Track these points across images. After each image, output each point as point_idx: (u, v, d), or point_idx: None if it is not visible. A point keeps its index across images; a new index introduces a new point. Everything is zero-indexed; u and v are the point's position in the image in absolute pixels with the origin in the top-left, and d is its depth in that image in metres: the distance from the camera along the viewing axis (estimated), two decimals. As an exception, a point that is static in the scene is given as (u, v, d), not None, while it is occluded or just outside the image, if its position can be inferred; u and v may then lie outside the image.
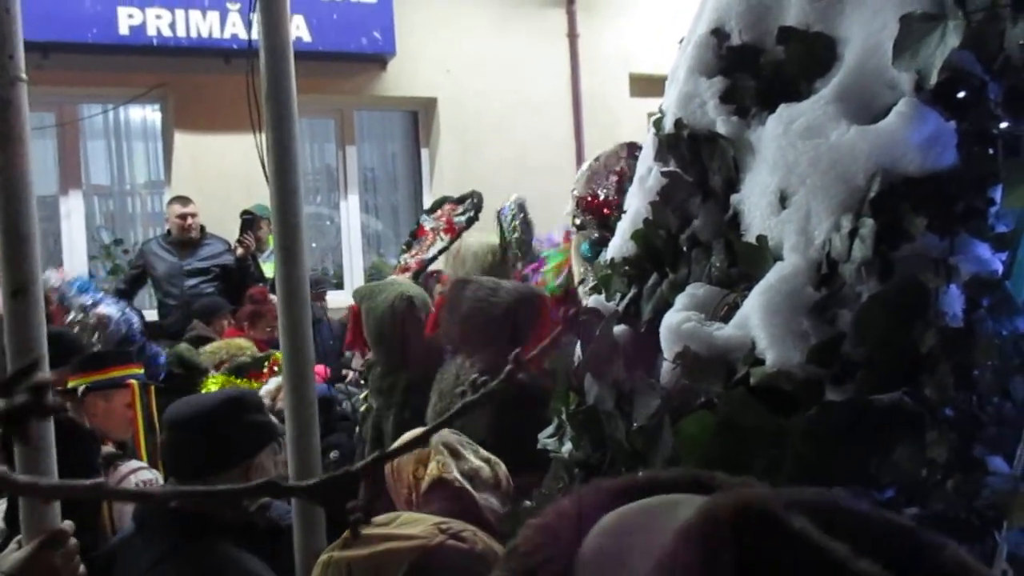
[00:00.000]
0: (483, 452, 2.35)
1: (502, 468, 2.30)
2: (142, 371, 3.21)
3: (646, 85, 7.48)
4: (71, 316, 3.81)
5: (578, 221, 3.04)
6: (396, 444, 0.68)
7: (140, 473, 2.79)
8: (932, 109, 1.46)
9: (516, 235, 4.03)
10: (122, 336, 3.77)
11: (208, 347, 4.27)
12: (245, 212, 5.78)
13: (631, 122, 7.02)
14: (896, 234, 1.40)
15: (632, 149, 2.82)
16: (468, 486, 2.17)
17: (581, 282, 3.00)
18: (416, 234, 4.50)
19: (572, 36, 7.82)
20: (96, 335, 3.72)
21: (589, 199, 2.65)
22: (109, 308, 3.88)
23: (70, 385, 3.02)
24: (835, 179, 1.48)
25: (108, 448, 2.80)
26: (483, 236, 4.27)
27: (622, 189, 2.56)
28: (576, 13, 7.82)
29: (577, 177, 3.00)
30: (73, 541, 1.65)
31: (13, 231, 1.80)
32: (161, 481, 2.85)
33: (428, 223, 4.59)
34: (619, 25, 7.88)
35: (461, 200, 4.44)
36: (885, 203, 1.41)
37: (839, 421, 1.32)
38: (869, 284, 1.36)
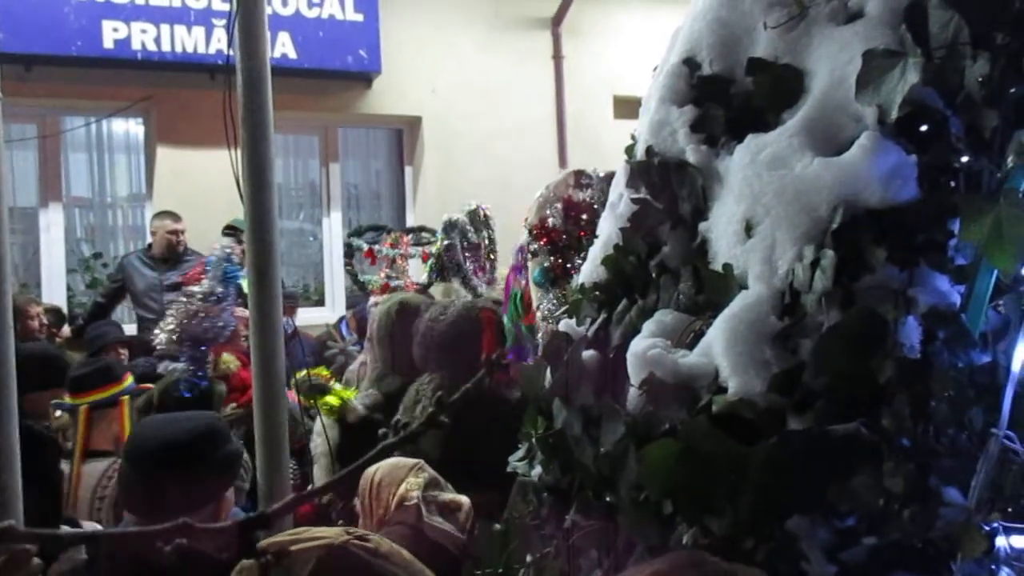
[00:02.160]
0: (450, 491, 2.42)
1: (467, 504, 2.36)
2: (132, 381, 3.21)
3: (630, 107, 7.51)
4: (197, 288, 3.77)
5: (532, 248, 3.11)
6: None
7: None
8: (894, 143, 1.49)
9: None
10: (207, 338, 3.73)
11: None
12: (228, 226, 5.76)
13: (614, 144, 7.04)
14: (857, 265, 1.42)
15: (579, 177, 2.90)
16: (424, 510, 2.20)
17: (537, 307, 3.05)
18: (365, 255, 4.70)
19: (557, 58, 7.89)
20: (194, 320, 3.68)
21: (540, 227, 2.71)
22: (223, 311, 3.83)
23: (69, 403, 3.01)
24: (799, 210, 1.50)
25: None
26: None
27: (570, 216, 2.62)
28: (561, 35, 7.89)
29: (530, 206, 3.07)
30: (37, 562, 1.63)
31: (-17, 247, 1.80)
32: None
33: (382, 250, 4.79)
34: (603, 48, 7.95)
35: (410, 231, 4.68)
36: (847, 234, 1.44)
37: (799, 450, 1.33)
38: (830, 315, 1.38)
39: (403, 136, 7.62)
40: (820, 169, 1.51)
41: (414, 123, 7.46)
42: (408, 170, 7.62)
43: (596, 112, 7.93)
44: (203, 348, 3.64)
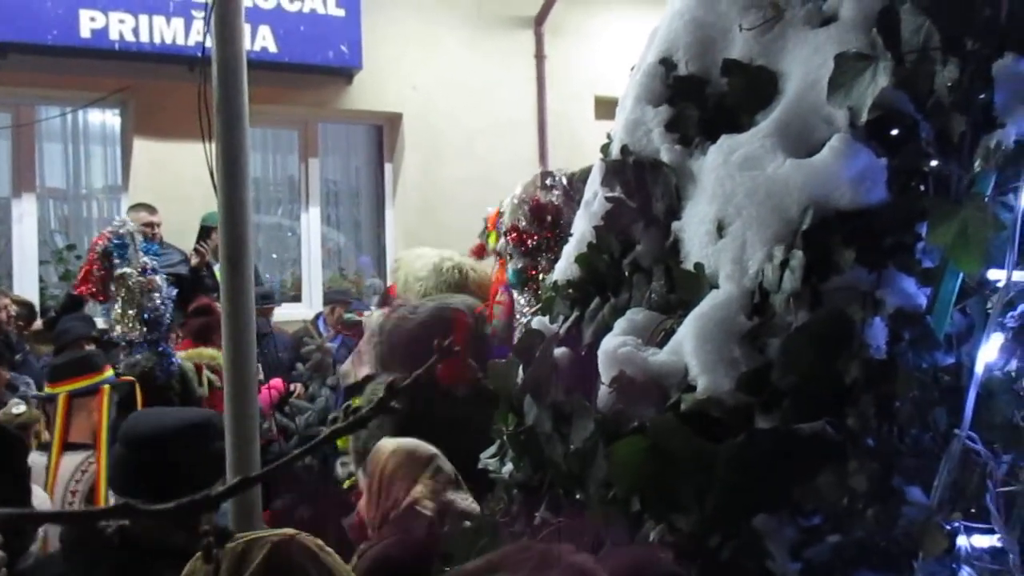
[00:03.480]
0: (464, 490, 2.36)
1: (476, 507, 2.31)
2: (112, 373, 3.17)
3: (611, 108, 7.49)
4: (123, 269, 3.76)
5: (509, 250, 3.10)
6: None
7: None
8: (865, 145, 1.50)
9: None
10: (159, 314, 3.76)
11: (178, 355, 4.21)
12: (204, 224, 5.71)
13: (595, 143, 7.07)
14: (826, 266, 1.44)
15: (544, 178, 2.90)
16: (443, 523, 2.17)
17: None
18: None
19: (539, 57, 7.89)
20: (139, 297, 3.70)
21: (512, 229, 2.72)
22: (162, 283, 3.88)
23: (48, 392, 2.98)
24: (770, 211, 1.51)
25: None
26: (424, 255, 4.29)
27: (535, 217, 2.63)
28: (544, 35, 7.89)
29: (505, 208, 3.07)
30: (0, 554, 1.61)
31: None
32: None
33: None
34: (586, 48, 7.96)
35: None
36: (816, 236, 1.45)
37: (765, 448, 1.34)
38: (798, 315, 1.39)
39: (383, 133, 7.58)
40: (791, 170, 1.52)
41: (395, 120, 7.43)
42: (388, 167, 7.58)
43: (577, 112, 7.94)
44: (161, 329, 3.64)
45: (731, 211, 1.57)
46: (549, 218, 2.58)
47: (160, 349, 3.62)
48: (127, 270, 3.78)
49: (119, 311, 3.69)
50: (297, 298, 7.14)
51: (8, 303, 5.15)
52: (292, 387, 5.25)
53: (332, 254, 7.57)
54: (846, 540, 1.31)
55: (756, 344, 1.44)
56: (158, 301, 3.69)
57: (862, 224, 1.46)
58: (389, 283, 5.28)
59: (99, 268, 3.85)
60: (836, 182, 1.46)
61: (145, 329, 3.60)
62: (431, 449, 2.35)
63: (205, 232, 5.64)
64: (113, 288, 3.79)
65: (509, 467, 2.01)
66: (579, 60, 7.97)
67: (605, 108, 7.94)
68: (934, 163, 1.52)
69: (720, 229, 1.58)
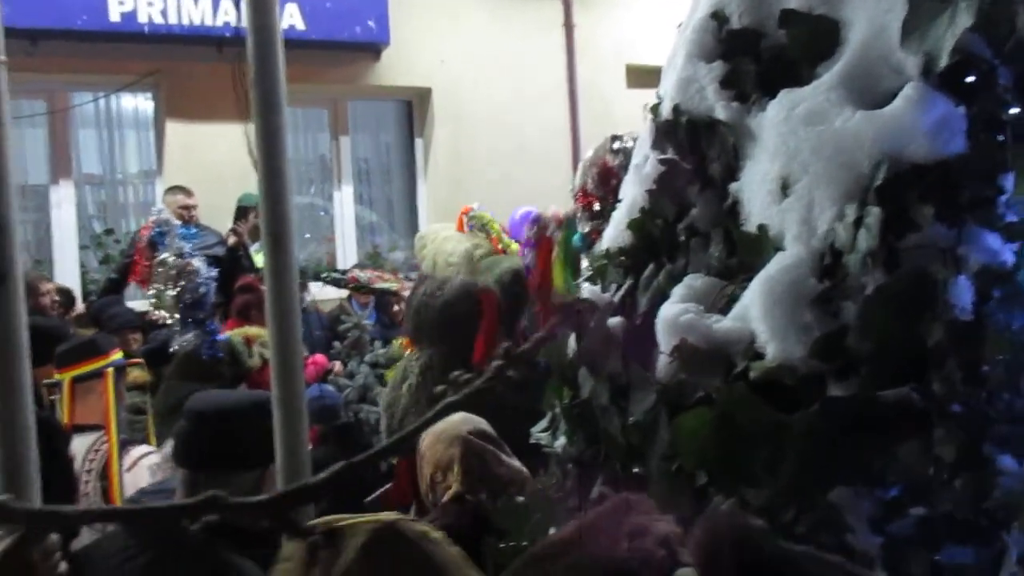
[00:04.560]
0: (515, 464, 2.29)
1: (531, 483, 2.25)
2: (121, 355, 3.19)
3: (642, 76, 7.42)
4: (162, 255, 3.84)
5: (577, 213, 3.02)
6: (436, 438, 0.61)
7: (150, 456, 2.86)
8: (940, 94, 1.41)
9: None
10: (199, 296, 3.82)
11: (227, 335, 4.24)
12: (240, 204, 5.72)
13: (627, 113, 6.95)
14: (902, 223, 1.35)
15: (613, 140, 2.81)
16: (488, 504, 2.12)
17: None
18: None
19: (568, 27, 7.76)
20: (179, 282, 3.77)
21: (580, 192, 2.64)
22: (200, 265, 3.95)
23: (56, 379, 3.01)
24: (839, 166, 1.43)
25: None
26: (451, 235, 4.25)
27: (603, 181, 2.54)
28: (572, 4, 7.76)
29: (578, 171, 2.99)
30: (53, 538, 1.60)
31: (-9, 216, 1.76)
32: (158, 462, 2.85)
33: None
34: (616, 16, 7.81)
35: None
36: (891, 191, 1.36)
37: (842, 417, 1.27)
38: (874, 275, 1.31)
39: (413, 108, 7.52)
40: (861, 123, 1.43)
41: (424, 95, 7.36)
42: (418, 142, 7.53)
43: (608, 81, 7.81)
44: (205, 309, 3.69)
45: (796, 169, 1.49)
46: (614, 182, 2.50)
47: (207, 328, 3.68)
48: (165, 255, 3.84)
49: (157, 294, 3.74)
50: (333, 277, 7.12)
51: (51, 288, 5.20)
52: (330, 364, 5.26)
53: (365, 231, 7.56)
54: (931, 513, 1.24)
55: (829, 308, 1.36)
56: (198, 282, 3.73)
57: (940, 177, 1.37)
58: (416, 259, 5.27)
59: (145, 258, 3.92)
60: (912, 134, 1.37)
61: (186, 310, 3.64)
62: (454, 432, 2.27)
63: (241, 213, 5.64)
64: (152, 273, 3.85)
65: (562, 441, 1.96)
66: (609, 28, 7.83)
67: (637, 76, 7.80)
68: (1014, 111, 1.43)
69: (784, 188, 1.50)
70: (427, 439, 2.30)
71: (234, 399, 2.03)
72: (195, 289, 3.76)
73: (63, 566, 1.60)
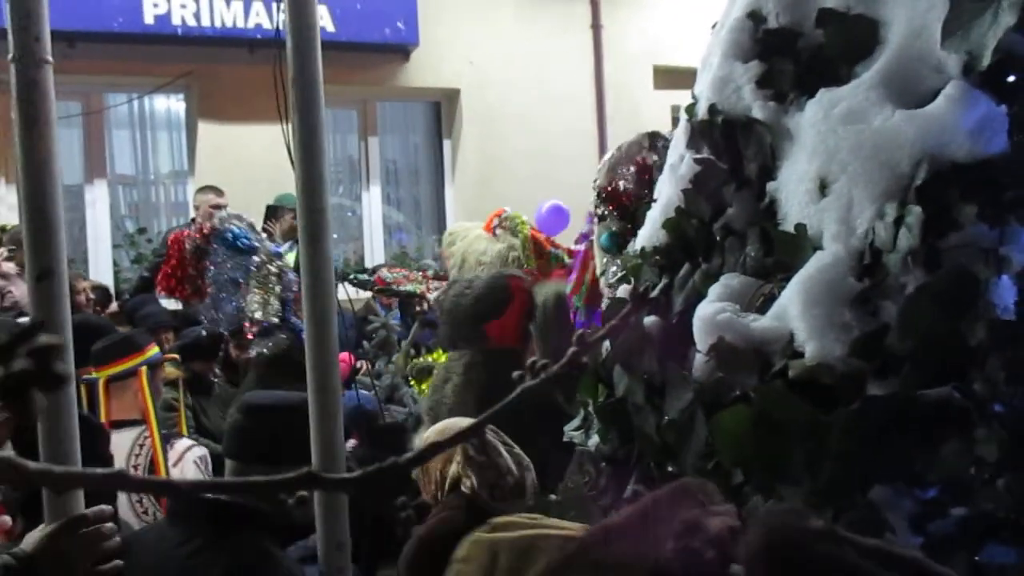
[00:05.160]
0: (516, 453, 2.30)
1: (531, 474, 2.25)
2: (157, 351, 3.23)
3: (670, 77, 7.40)
4: (257, 258, 3.99)
5: (600, 212, 2.99)
6: (439, 437, 0.63)
7: (194, 450, 2.89)
8: (982, 93, 1.40)
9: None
10: (290, 298, 3.99)
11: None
12: (269, 206, 5.75)
13: (654, 114, 6.95)
14: (943, 223, 1.35)
15: (654, 139, 2.77)
16: (484, 496, 2.13)
17: (602, 273, 2.95)
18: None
19: (596, 27, 7.74)
20: (279, 285, 3.96)
21: (610, 189, 2.60)
22: (288, 268, 4.14)
23: (94, 376, 3.05)
24: (879, 166, 1.43)
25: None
26: (481, 234, 4.26)
27: (642, 180, 2.51)
28: (600, 4, 7.74)
29: (599, 167, 2.93)
30: (109, 525, 1.62)
31: (39, 215, 1.78)
32: (207, 457, 2.90)
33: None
34: (644, 17, 7.79)
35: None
36: (932, 191, 1.36)
37: (882, 416, 1.27)
38: (915, 274, 1.31)
39: (441, 109, 7.55)
40: (902, 122, 1.43)
41: (452, 95, 7.38)
42: (446, 143, 7.56)
43: (636, 82, 7.78)
44: (289, 311, 3.80)
45: (835, 168, 1.49)
46: (647, 178, 2.48)
47: (296, 328, 3.76)
48: (262, 258, 3.94)
49: (260, 299, 3.81)
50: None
51: (86, 287, 5.28)
52: (358, 364, 5.29)
53: (393, 232, 7.60)
54: (973, 513, 1.24)
55: (868, 307, 1.36)
56: (291, 280, 3.87)
57: (982, 177, 1.36)
58: (444, 257, 5.30)
59: (190, 265, 3.98)
60: (953, 133, 1.37)
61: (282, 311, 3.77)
62: (463, 424, 2.29)
63: (270, 213, 5.68)
64: (246, 279, 3.92)
65: (595, 439, 1.97)
66: (637, 29, 7.81)
67: (664, 77, 7.77)
68: (1056, 110, 1.42)
69: (823, 187, 1.50)
70: (432, 437, 2.31)
71: (287, 397, 2.05)
72: (288, 289, 3.87)
73: (117, 563, 1.63)
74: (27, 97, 1.83)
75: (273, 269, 3.86)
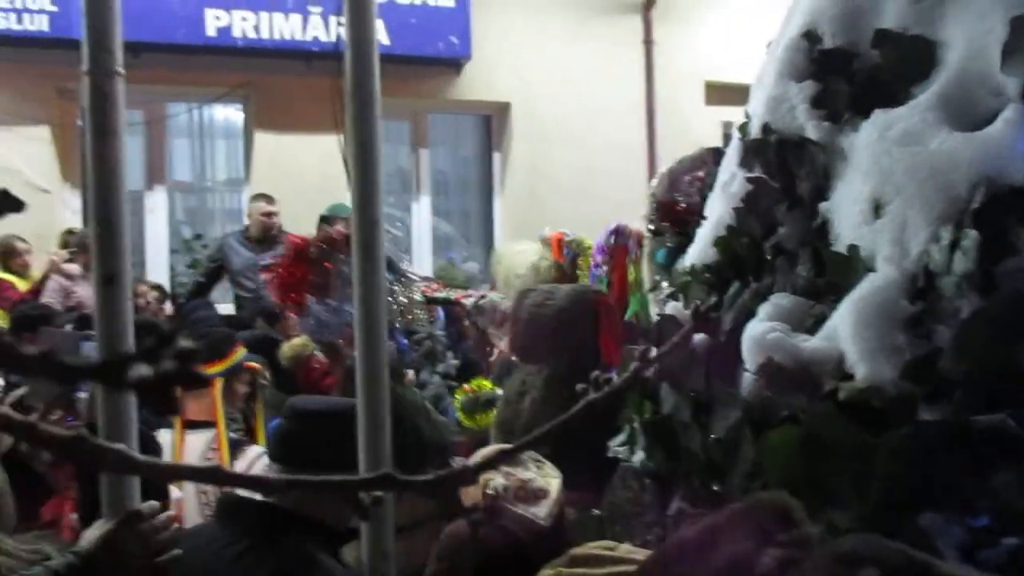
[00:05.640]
0: (545, 466, 2.32)
1: (556, 482, 2.26)
2: (241, 355, 3.30)
3: (721, 93, 7.36)
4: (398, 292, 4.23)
5: (652, 227, 2.97)
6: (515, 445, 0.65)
7: (265, 457, 2.97)
8: (1042, 117, 1.38)
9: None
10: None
11: (297, 340, 4.34)
12: (323, 216, 5.83)
13: (705, 130, 6.92)
14: (1000, 247, 1.33)
15: (717, 156, 2.73)
16: (509, 497, 2.15)
17: (653, 289, 2.93)
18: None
19: (648, 43, 7.75)
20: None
21: (669, 204, 2.57)
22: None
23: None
24: (934, 188, 1.41)
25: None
26: (524, 251, 4.29)
27: (704, 196, 2.47)
28: (652, 20, 7.75)
29: (657, 181, 2.90)
30: (165, 515, 1.67)
31: (106, 221, 1.85)
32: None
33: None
34: (695, 32, 7.77)
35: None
36: (988, 214, 1.35)
37: (933, 441, 1.25)
38: (970, 299, 1.29)
39: (491, 122, 7.62)
40: (959, 145, 1.42)
41: (503, 109, 7.45)
42: (496, 156, 7.62)
43: (687, 98, 7.76)
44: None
45: (889, 189, 1.48)
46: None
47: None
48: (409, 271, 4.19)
49: (411, 313, 4.00)
50: (408, 287, 7.24)
51: (145, 290, 5.43)
52: (404, 372, 5.35)
53: (441, 243, 7.67)
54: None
55: (920, 330, 1.35)
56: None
57: (1040, 202, 1.34)
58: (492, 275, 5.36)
59: (311, 272, 4.13)
60: (1010, 156, 1.35)
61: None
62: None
63: (325, 221, 5.77)
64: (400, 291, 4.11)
65: (640, 455, 1.97)
66: (689, 45, 7.79)
67: (715, 94, 7.74)
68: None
69: (877, 209, 1.49)
70: (483, 453, 2.33)
71: (335, 403, 2.08)
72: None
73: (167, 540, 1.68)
74: (99, 108, 1.90)
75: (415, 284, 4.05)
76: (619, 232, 3.39)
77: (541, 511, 2.26)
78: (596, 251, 3.72)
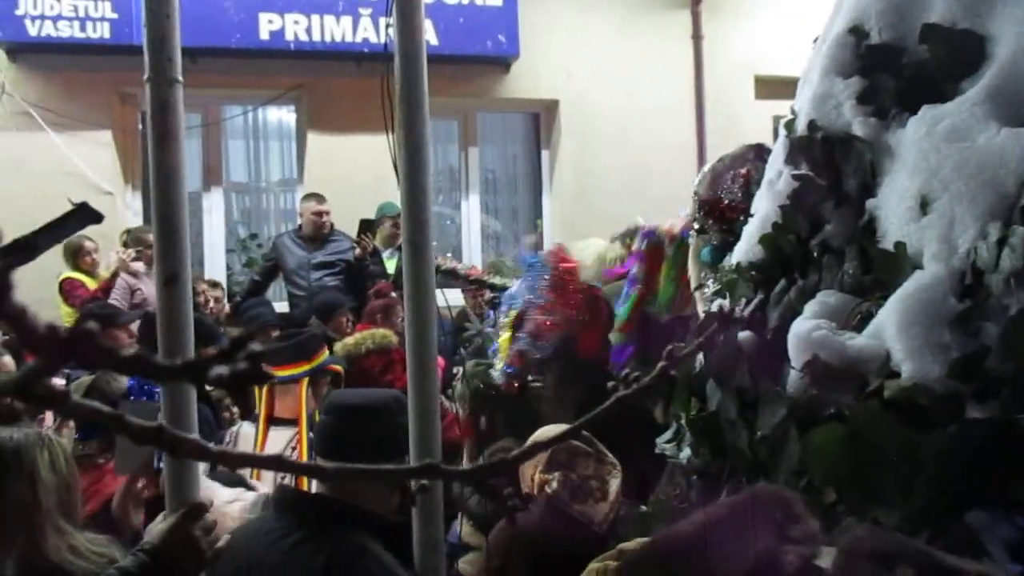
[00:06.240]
0: (609, 460, 2.33)
1: (616, 481, 2.27)
2: (325, 357, 3.38)
3: (772, 87, 7.28)
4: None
5: (697, 225, 2.96)
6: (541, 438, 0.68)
7: None
8: (1095, 111, 1.36)
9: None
10: None
11: (351, 338, 4.40)
12: (364, 219, 5.92)
13: (755, 125, 6.85)
14: (1050, 244, 1.32)
15: (759, 151, 2.71)
16: (565, 498, 2.17)
17: (699, 287, 2.93)
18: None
19: (697, 38, 7.68)
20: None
21: (713, 202, 2.56)
22: None
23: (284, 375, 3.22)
24: (982, 184, 1.40)
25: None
26: (589, 244, 4.31)
27: (748, 193, 2.46)
28: (701, 14, 7.68)
29: (699, 179, 2.88)
30: (210, 517, 1.75)
31: (167, 222, 1.92)
32: None
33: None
34: (745, 26, 7.68)
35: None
36: (1039, 211, 1.33)
37: (981, 440, 1.25)
38: (1018, 296, 1.28)
39: (540, 120, 7.64)
40: (1007, 140, 1.40)
41: (551, 107, 7.46)
42: (544, 154, 7.64)
43: (737, 93, 7.68)
44: None
45: (936, 186, 1.47)
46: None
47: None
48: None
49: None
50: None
51: (205, 288, 5.58)
52: (455, 370, 5.40)
53: (490, 240, 7.73)
54: (1075, 542, 1.20)
55: (968, 328, 1.34)
56: None
57: (1093, 197, 1.33)
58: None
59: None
60: (1062, 152, 1.34)
61: None
62: (557, 431, 2.32)
63: (365, 227, 5.84)
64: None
65: (687, 452, 1.98)
66: (738, 39, 7.71)
67: (766, 88, 7.64)
68: None
69: (924, 206, 1.49)
70: (527, 445, 2.36)
71: (371, 396, 2.13)
72: None
73: (221, 543, 1.75)
74: (159, 114, 1.98)
75: None
76: (651, 236, 3.39)
77: (598, 515, 2.25)
78: (631, 257, 3.72)
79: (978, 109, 1.48)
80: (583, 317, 3.20)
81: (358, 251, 5.80)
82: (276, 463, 0.46)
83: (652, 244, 3.37)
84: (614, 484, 2.28)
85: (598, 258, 3.97)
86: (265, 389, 3.11)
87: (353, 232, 5.92)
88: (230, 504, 2.53)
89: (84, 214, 0.67)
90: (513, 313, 3.49)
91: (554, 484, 2.26)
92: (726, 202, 2.48)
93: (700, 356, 1.87)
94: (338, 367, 3.53)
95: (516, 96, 7.27)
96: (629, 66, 7.39)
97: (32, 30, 6.00)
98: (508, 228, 7.92)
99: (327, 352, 3.43)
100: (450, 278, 5.88)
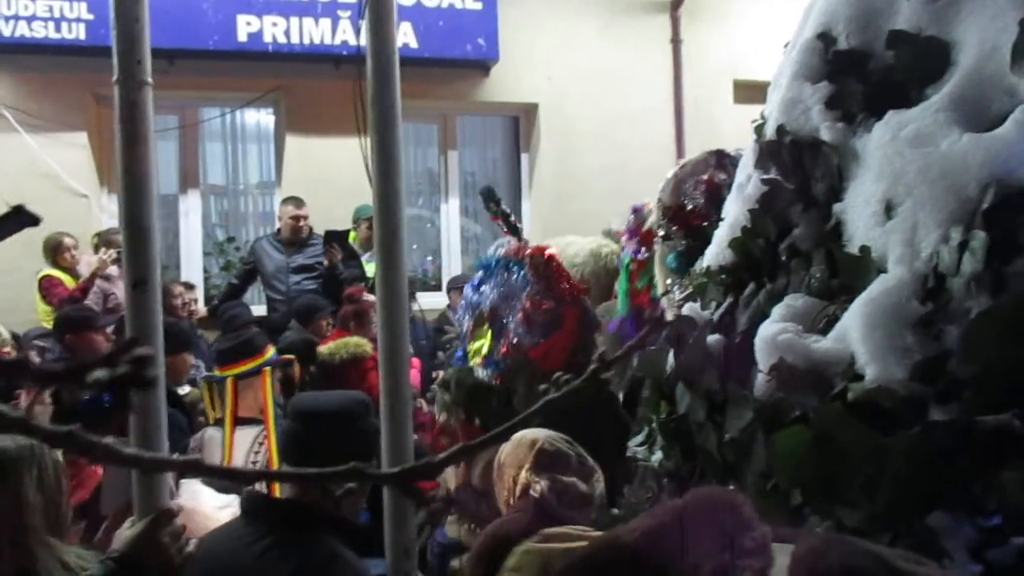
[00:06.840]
0: (589, 464, 2.32)
1: (600, 485, 2.27)
2: (273, 352, 3.37)
3: (750, 91, 7.32)
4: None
5: (661, 231, 2.98)
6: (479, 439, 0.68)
7: None
8: (1054, 117, 1.38)
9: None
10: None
11: (326, 347, 4.38)
12: (329, 231, 5.87)
13: (734, 128, 6.88)
14: (1009, 248, 1.33)
15: (720, 157, 2.74)
16: (552, 501, 2.17)
17: (666, 293, 2.95)
18: None
19: (676, 42, 7.73)
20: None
21: (676, 208, 2.57)
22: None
23: (217, 375, 3.22)
24: (945, 189, 1.42)
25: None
26: (574, 241, 4.31)
27: (710, 198, 2.48)
28: (680, 19, 7.73)
29: (662, 185, 2.90)
30: (179, 522, 1.74)
31: (135, 226, 1.91)
32: None
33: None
34: (724, 31, 7.74)
35: None
36: (998, 215, 1.35)
37: (943, 442, 1.26)
38: (979, 299, 1.30)
39: (519, 123, 7.65)
40: (969, 146, 1.42)
41: (531, 110, 7.48)
42: (524, 157, 7.65)
43: (715, 97, 7.73)
44: None
45: (901, 191, 1.49)
46: (718, 197, 2.44)
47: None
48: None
49: None
50: (437, 287, 7.31)
51: (181, 291, 5.54)
52: (434, 374, 5.39)
53: (470, 244, 7.72)
54: (1034, 542, 1.22)
55: (930, 331, 1.36)
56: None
57: (1051, 202, 1.35)
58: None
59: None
60: (1020, 157, 1.36)
61: None
62: (533, 436, 2.31)
63: (330, 238, 5.78)
64: None
65: (658, 455, 1.99)
66: (717, 43, 7.76)
67: (744, 92, 7.70)
68: None
69: (888, 210, 1.50)
70: (508, 447, 2.36)
71: (334, 399, 2.12)
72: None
73: (190, 547, 1.74)
74: (128, 117, 1.96)
75: None
76: (639, 212, 3.39)
77: (585, 519, 2.25)
78: (627, 235, 3.71)
79: (941, 115, 1.50)
80: (574, 294, 3.20)
81: (327, 262, 5.74)
82: (195, 466, 0.46)
83: (638, 220, 3.38)
84: (599, 488, 2.29)
85: (591, 254, 3.97)
86: (229, 390, 3.10)
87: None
88: (221, 510, 2.52)
89: (21, 217, 0.67)
90: (481, 314, 3.49)
91: (540, 487, 2.26)
92: (689, 208, 2.49)
93: (671, 359, 1.88)
94: (289, 356, 3.55)
95: (496, 99, 7.28)
96: (608, 70, 7.42)
97: (6, 30, 5.94)
98: (488, 231, 7.92)
99: (272, 349, 3.44)
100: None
